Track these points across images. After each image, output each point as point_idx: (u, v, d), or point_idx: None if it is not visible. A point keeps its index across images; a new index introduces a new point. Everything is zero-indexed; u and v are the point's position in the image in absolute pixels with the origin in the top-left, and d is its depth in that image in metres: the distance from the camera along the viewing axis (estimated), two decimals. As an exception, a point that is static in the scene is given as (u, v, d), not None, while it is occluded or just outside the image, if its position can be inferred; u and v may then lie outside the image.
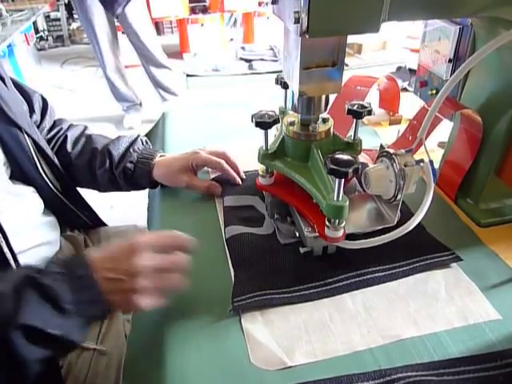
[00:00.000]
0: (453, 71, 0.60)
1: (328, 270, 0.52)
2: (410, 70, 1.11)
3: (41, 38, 3.89)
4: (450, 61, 0.59)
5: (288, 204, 0.53)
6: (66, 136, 0.73)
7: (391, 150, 0.47)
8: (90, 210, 0.79)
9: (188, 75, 1.15)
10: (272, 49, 1.29)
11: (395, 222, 0.50)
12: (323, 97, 0.46)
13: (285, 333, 0.46)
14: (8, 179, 0.64)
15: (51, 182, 0.68)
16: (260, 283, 0.51)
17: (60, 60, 3.74)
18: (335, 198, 0.42)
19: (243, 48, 1.32)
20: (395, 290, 0.51)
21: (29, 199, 0.66)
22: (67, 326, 0.40)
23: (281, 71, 1.15)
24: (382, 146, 0.49)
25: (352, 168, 0.38)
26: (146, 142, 0.74)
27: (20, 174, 0.65)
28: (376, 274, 0.52)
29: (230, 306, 0.47)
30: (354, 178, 0.53)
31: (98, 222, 0.82)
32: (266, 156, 0.51)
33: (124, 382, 0.46)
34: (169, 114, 0.95)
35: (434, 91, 0.67)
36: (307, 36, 0.38)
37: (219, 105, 0.97)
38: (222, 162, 0.66)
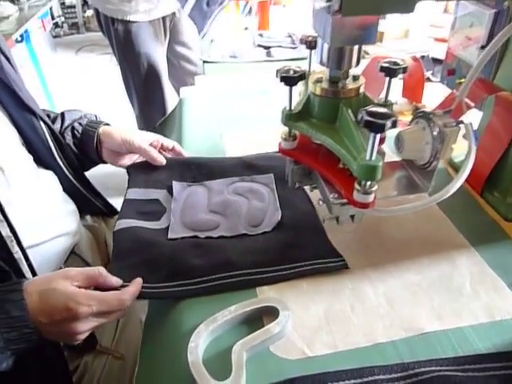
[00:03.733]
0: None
1: (204, 268, 0.49)
2: (434, 59, 1.08)
3: (56, 25, 3.89)
4: (482, 47, 0.57)
5: (311, 170, 0.51)
6: None
7: (428, 110, 0.45)
8: (102, 197, 0.78)
9: (205, 62, 1.13)
10: (290, 36, 1.27)
11: (429, 191, 0.47)
12: (355, 49, 0.44)
13: (304, 322, 0.45)
14: (33, 161, 0.64)
15: (66, 168, 0.68)
16: (130, 275, 0.48)
17: (75, 47, 3.74)
18: (368, 157, 0.39)
19: (261, 35, 1.29)
20: (418, 283, 0.49)
21: (49, 183, 0.65)
22: None
23: (300, 58, 1.13)
24: (417, 107, 0.47)
25: (390, 120, 0.35)
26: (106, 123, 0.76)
27: (37, 159, 0.65)
28: (259, 276, 0.49)
29: None
30: (382, 146, 0.50)
31: (113, 210, 0.81)
32: (289, 117, 0.48)
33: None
34: (185, 100, 0.94)
35: (463, 79, 0.65)
36: (339, 16, 0.36)
37: (236, 92, 0.96)
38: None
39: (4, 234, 0.48)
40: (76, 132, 0.72)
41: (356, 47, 0.44)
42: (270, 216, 0.58)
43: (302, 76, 0.45)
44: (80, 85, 3.01)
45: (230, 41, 1.28)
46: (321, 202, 0.51)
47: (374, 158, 0.39)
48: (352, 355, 0.42)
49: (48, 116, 0.71)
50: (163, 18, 1.44)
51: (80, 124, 0.72)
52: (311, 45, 0.54)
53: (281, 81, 0.45)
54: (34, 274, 0.51)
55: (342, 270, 0.50)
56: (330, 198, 0.46)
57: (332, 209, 0.46)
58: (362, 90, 0.47)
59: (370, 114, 0.36)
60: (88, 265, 0.67)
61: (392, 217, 0.56)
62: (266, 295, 0.47)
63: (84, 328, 0.43)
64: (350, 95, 0.46)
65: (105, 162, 0.73)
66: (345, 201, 0.45)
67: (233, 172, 0.66)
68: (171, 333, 0.45)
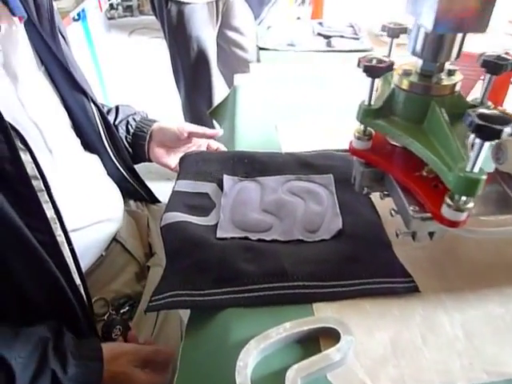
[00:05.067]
0: None
1: (255, 275, 0.44)
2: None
3: (111, 7, 3.96)
4: None
5: (384, 174, 0.45)
6: None
7: None
8: (145, 186, 0.76)
9: (261, 48, 1.08)
10: (352, 26, 1.19)
11: None
12: (458, 38, 0.37)
13: (368, 350, 0.39)
14: (81, 145, 0.62)
15: (113, 154, 0.65)
16: (184, 280, 0.45)
17: (128, 30, 3.80)
18: (469, 168, 0.32)
19: (320, 24, 1.22)
20: (502, 317, 0.42)
21: (95, 168, 0.63)
22: None
23: (362, 50, 1.06)
24: None
25: (510, 126, 0.29)
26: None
27: (84, 142, 0.62)
28: (316, 290, 0.43)
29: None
30: None
31: (155, 199, 0.79)
32: (368, 112, 0.42)
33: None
34: (239, 88, 0.89)
35: None
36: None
37: (294, 82, 0.89)
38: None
39: (49, 215, 0.45)
40: (130, 127, 0.71)
41: (459, 36, 0.38)
42: (329, 222, 0.52)
43: (390, 67, 0.39)
44: (131, 67, 3.04)
45: (288, 28, 1.21)
46: (393, 213, 0.44)
47: (476, 169, 0.33)
48: (424, 396, 0.36)
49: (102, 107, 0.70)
50: (216, 1, 1.40)
51: (134, 120, 0.72)
52: (394, 33, 0.47)
53: (364, 71, 0.39)
54: (75, 259, 0.49)
55: (411, 292, 0.44)
56: (409, 210, 0.40)
57: (410, 223, 0.40)
58: (458, 87, 0.40)
59: (483, 117, 0.30)
60: (128, 253, 0.64)
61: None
62: (324, 313, 0.42)
63: None
64: (443, 92, 0.39)
65: (150, 161, 0.74)
66: (428, 215, 0.39)
67: (288, 169, 0.61)
68: (215, 345, 0.41)
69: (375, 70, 0.38)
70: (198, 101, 1.62)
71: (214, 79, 1.58)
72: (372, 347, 0.39)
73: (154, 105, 2.19)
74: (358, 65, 0.40)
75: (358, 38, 1.10)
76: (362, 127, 0.44)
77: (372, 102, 0.42)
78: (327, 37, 1.11)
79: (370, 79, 0.40)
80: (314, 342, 0.39)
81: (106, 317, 0.57)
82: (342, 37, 1.10)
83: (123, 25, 3.92)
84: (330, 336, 0.39)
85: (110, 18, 3.93)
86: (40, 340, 0.44)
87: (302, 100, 0.83)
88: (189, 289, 0.45)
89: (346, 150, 0.65)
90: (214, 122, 1.05)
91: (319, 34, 1.13)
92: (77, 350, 0.46)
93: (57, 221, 0.46)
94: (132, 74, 2.90)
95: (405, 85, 0.40)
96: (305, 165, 0.62)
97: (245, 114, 0.78)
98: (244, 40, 1.56)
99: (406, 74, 0.40)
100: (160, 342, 0.59)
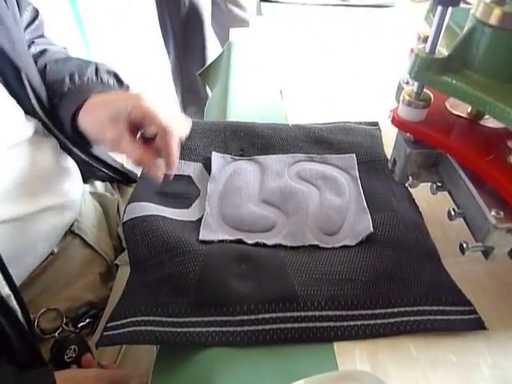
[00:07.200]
0: None
1: (251, 300, 0.31)
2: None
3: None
4: None
5: (439, 159, 0.32)
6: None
7: None
8: (105, 162, 0.56)
9: (262, 0, 0.91)
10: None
11: None
12: None
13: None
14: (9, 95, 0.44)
15: (42, 111, 0.45)
16: (151, 302, 0.33)
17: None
18: None
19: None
20: None
21: (39, 133, 0.47)
22: None
23: (383, 5, 0.90)
24: None
25: None
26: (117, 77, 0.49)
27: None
28: (338, 323, 0.31)
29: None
30: None
31: (128, 178, 0.61)
32: (430, 64, 0.28)
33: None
34: (235, 44, 0.74)
35: None
36: None
37: (301, 40, 0.74)
38: (170, 128, 0.37)
39: None
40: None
41: None
42: (353, 221, 0.38)
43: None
44: (118, 28, 2.82)
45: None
46: (453, 215, 0.31)
47: None
48: None
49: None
50: None
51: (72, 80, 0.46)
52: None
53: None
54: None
55: (473, 330, 0.31)
56: (488, 216, 0.26)
57: (488, 234, 0.27)
58: None
59: None
60: (91, 248, 0.51)
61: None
62: (351, 358, 0.29)
63: None
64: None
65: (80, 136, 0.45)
66: (519, 224, 0.26)
67: (297, 146, 0.47)
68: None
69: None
70: (191, 66, 1.46)
71: (208, 41, 1.41)
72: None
73: (142, 69, 2.02)
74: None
75: (377, -8, 0.93)
76: (416, 88, 0.30)
77: (436, 49, 0.28)
78: (342, -11, 0.94)
79: (439, 9, 0.26)
80: (338, 407, 0.27)
81: (57, 333, 0.44)
82: (359, -11, 0.94)
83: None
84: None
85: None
86: None
87: (311, 62, 0.68)
88: (158, 314, 0.32)
89: (371, 123, 0.51)
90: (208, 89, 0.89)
91: (332, -15, 0.96)
92: None
93: None
94: (119, 36, 2.68)
95: (496, 18, 0.25)
96: (318, 141, 0.48)
97: (241, 76, 0.63)
98: None
99: (498, 2, 0.25)
100: (129, 361, 0.46)
